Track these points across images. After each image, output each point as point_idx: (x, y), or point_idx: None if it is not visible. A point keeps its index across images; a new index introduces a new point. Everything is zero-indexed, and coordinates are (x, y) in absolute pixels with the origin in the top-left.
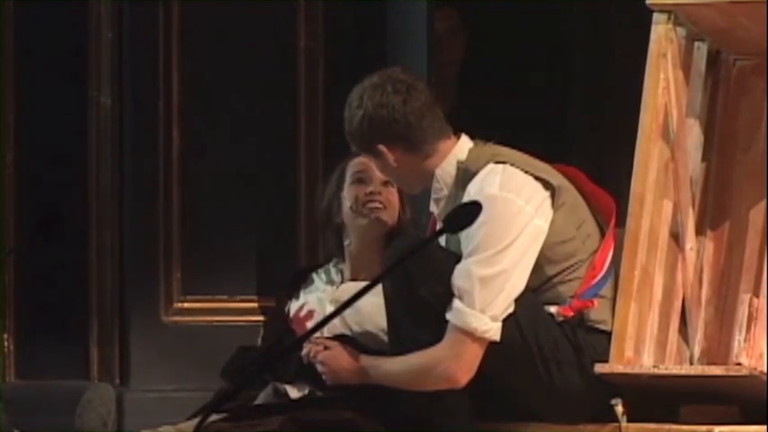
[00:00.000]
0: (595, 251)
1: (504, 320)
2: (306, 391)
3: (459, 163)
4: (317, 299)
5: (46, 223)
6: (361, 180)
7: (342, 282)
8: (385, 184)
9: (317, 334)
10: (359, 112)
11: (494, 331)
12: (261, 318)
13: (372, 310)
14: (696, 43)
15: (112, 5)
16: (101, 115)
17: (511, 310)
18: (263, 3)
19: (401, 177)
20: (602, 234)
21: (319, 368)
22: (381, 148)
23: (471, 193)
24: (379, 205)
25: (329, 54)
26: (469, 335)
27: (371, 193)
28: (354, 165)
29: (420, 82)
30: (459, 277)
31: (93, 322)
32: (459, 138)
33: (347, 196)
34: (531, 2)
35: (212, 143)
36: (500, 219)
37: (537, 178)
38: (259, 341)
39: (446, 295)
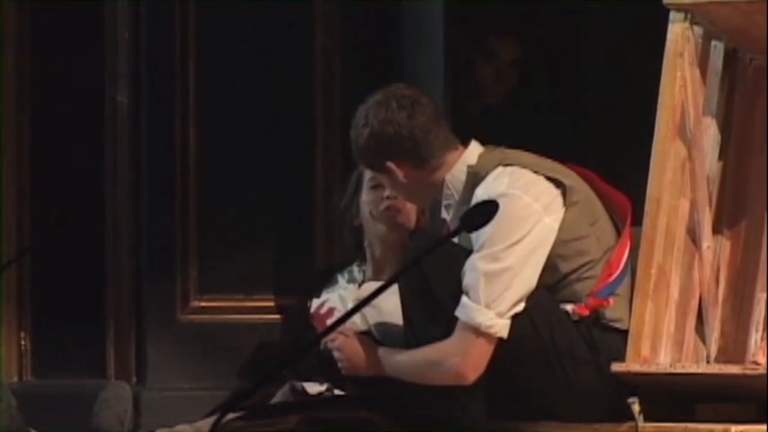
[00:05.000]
0: (610, 249)
1: (519, 318)
2: (324, 387)
3: (470, 168)
4: (338, 297)
5: (58, 222)
6: (378, 185)
7: (364, 281)
8: None
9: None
10: (365, 130)
11: (499, 327)
12: (278, 316)
13: (393, 309)
14: (713, 42)
15: (129, 4)
16: (117, 114)
17: (520, 308)
18: (280, 2)
19: (412, 193)
20: (618, 233)
21: (335, 355)
22: (390, 165)
23: (479, 196)
24: (397, 208)
25: (345, 53)
26: (475, 330)
27: (389, 197)
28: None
29: (424, 96)
30: (466, 273)
31: (109, 321)
32: (467, 146)
33: (366, 201)
34: (544, 3)
35: (228, 141)
36: (507, 216)
37: (548, 178)
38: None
39: (459, 292)
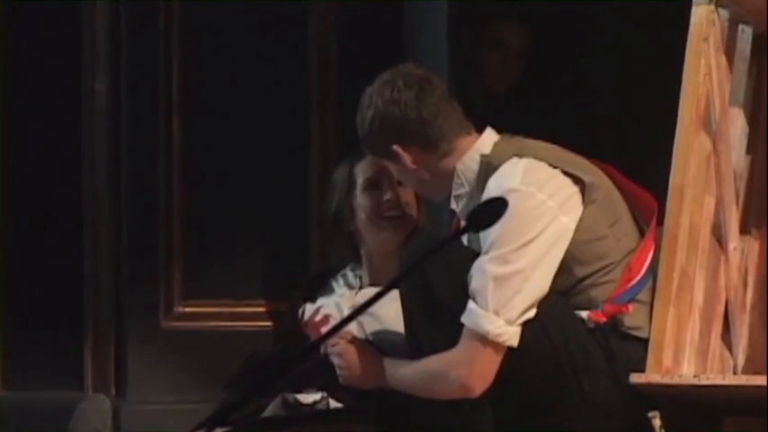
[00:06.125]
0: (632, 252)
1: (530, 325)
2: (318, 396)
3: (483, 157)
4: (333, 304)
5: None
6: (374, 186)
7: (361, 287)
8: (400, 183)
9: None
10: (369, 111)
11: (509, 335)
12: (269, 323)
13: (393, 317)
14: (740, 26)
15: None
16: (95, 104)
17: (531, 314)
18: None
19: (421, 182)
20: (642, 235)
21: (335, 362)
22: (396, 149)
23: (491, 189)
24: (399, 212)
25: (342, 40)
26: (482, 338)
27: (389, 200)
28: (364, 169)
29: (435, 76)
30: (473, 276)
31: (87, 328)
32: (481, 133)
33: (361, 205)
34: None
35: (216, 135)
36: (518, 214)
37: (566, 173)
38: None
39: (465, 297)
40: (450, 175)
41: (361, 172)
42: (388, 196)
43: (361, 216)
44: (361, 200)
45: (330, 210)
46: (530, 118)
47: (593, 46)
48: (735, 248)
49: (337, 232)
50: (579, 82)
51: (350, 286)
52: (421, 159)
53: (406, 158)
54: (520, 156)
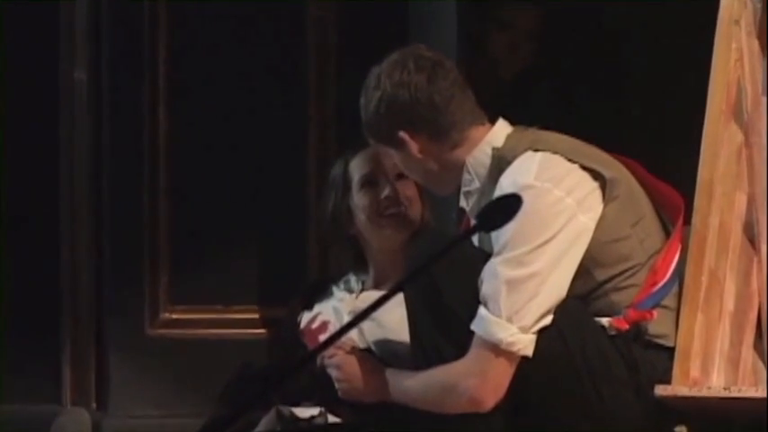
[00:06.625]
0: (657, 253)
1: (546, 333)
2: (316, 411)
3: (495, 150)
4: (332, 309)
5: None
6: (371, 183)
7: (362, 290)
8: (399, 177)
9: None
10: (376, 93)
11: (523, 344)
12: (262, 330)
13: (397, 324)
14: None
15: None
16: (75, 93)
17: (547, 321)
18: None
19: (427, 173)
20: (667, 235)
21: (333, 374)
22: (403, 135)
23: (504, 185)
24: (399, 209)
25: (342, 24)
26: (494, 348)
27: (387, 197)
28: (360, 165)
29: (448, 60)
30: (484, 280)
31: (65, 335)
32: (494, 124)
33: (359, 205)
34: None
35: (205, 127)
36: (534, 212)
37: (584, 168)
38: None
39: (476, 302)
40: (458, 168)
41: (357, 169)
42: (386, 193)
43: (361, 217)
44: (358, 199)
45: (327, 213)
46: (544, 108)
47: (612, 28)
48: None
49: (336, 236)
50: (598, 68)
51: (350, 291)
52: (429, 148)
53: (413, 146)
54: (535, 149)
